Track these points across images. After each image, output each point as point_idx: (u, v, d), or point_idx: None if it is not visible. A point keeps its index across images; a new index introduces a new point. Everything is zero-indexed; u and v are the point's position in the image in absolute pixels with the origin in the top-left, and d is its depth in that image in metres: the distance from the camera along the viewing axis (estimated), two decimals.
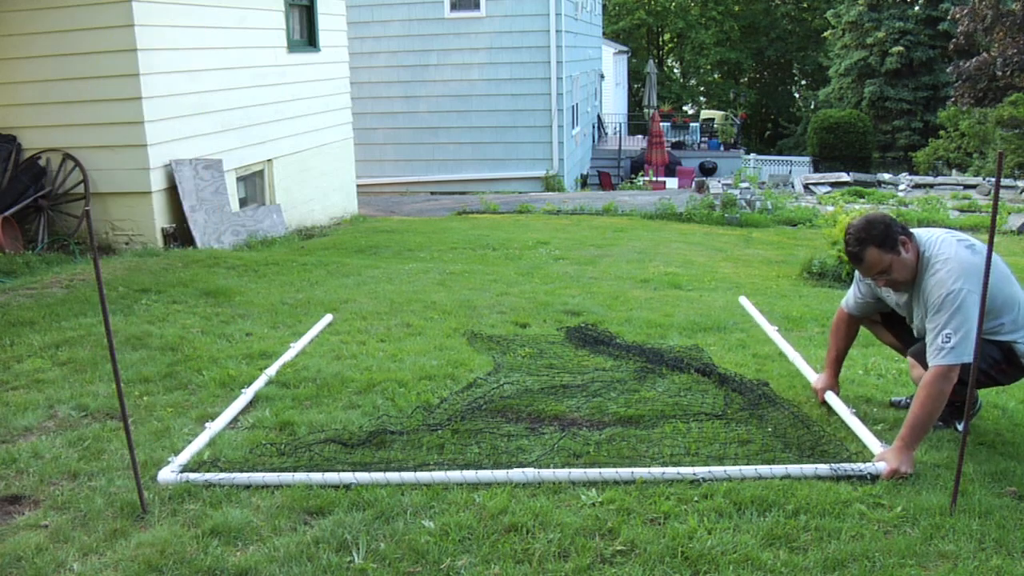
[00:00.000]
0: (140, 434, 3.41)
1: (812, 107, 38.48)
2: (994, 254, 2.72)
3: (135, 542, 2.59)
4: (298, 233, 10.49)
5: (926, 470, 3.11)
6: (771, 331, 4.74)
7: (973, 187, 17.38)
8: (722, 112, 33.70)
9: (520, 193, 17.15)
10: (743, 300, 5.33)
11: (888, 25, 31.37)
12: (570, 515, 2.74)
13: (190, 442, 3.32)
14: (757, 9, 43.29)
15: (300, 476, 3.01)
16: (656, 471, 3.04)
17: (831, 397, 3.80)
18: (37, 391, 3.94)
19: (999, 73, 21.19)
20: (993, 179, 17.99)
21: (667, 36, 47.57)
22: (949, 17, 26.15)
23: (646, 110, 28.41)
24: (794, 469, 3.08)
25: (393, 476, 3.00)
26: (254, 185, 10.23)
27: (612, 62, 31.28)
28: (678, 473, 3.03)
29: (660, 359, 4.39)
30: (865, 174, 20.64)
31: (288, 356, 4.50)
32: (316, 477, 2.99)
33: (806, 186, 18.35)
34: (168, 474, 3.02)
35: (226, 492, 2.91)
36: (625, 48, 37.46)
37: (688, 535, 2.62)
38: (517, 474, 3.01)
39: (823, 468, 3.08)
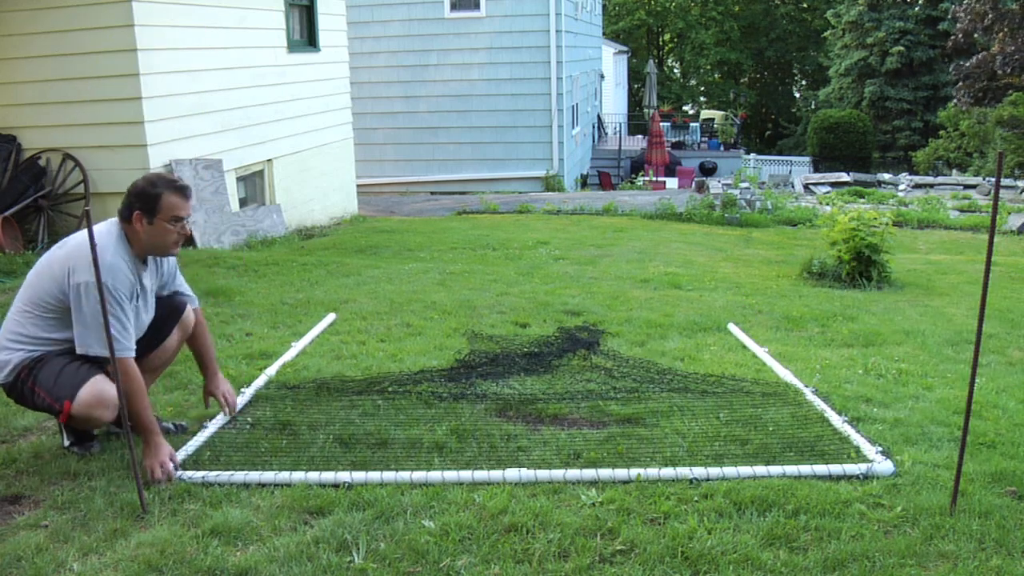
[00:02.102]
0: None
1: (812, 107, 38.47)
2: None
3: (135, 542, 2.59)
4: (298, 233, 10.49)
5: (926, 470, 3.11)
6: (761, 352, 4.74)
7: (973, 187, 17.38)
8: (722, 112, 33.70)
9: (520, 193, 17.15)
10: (732, 327, 5.33)
11: (888, 25, 31.37)
12: (570, 515, 2.74)
13: (188, 441, 3.32)
14: (757, 9, 43.28)
15: (299, 475, 3.01)
16: (652, 471, 3.05)
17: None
18: None
19: (999, 72, 21.19)
20: (993, 179, 17.99)
21: (667, 36, 47.58)
22: (949, 16, 26.17)
23: (646, 110, 28.41)
24: (791, 469, 3.08)
25: (390, 476, 3.00)
26: (254, 185, 10.23)
27: (612, 62, 31.27)
28: (675, 474, 3.03)
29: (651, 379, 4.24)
30: (865, 174, 20.64)
31: (289, 355, 4.50)
32: (314, 476, 3.00)
33: (806, 186, 18.35)
34: None
35: (226, 492, 2.91)
36: (625, 48, 37.46)
37: (688, 535, 2.62)
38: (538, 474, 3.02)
39: (820, 468, 3.09)
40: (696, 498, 2.87)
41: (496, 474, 3.01)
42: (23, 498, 2.92)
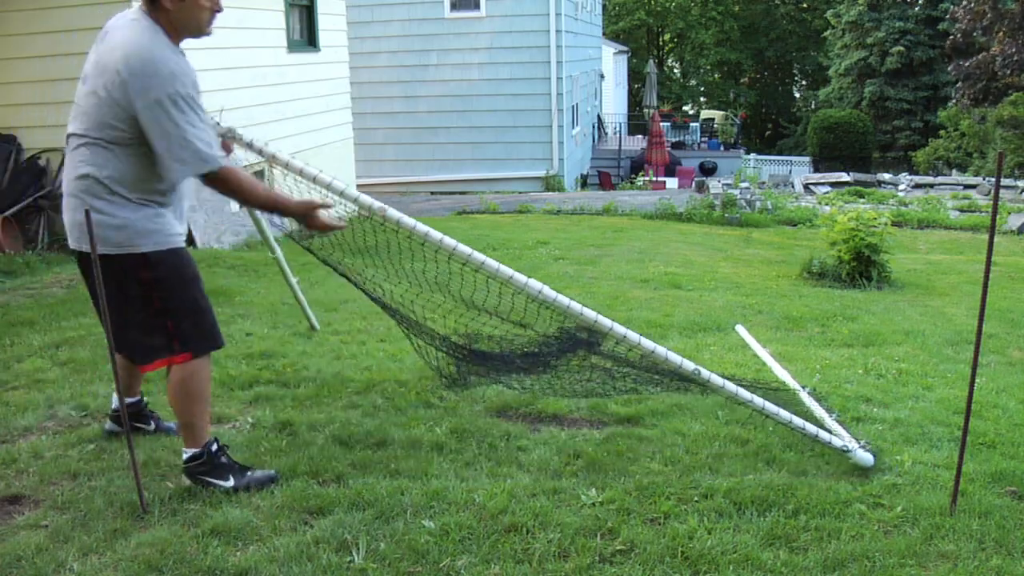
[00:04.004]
0: (140, 434, 3.40)
1: (812, 107, 38.46)
2: None
3: (135, 542, 2.58)
4: (298, 233, 10.48)
5: (926, 470, 3.11)
6: (764, 353, 4.71)
7: (973, 187, 17.37)
8: (722, 112, 33.70)
9: (520, 193, 17.14)
10: (740, 329, 5.30)
11: (888, 25, 31.36)
12: (570, 515, 2.74)
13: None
14: (757, 9, 43.27)
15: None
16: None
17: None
18: (37, 391, 3.94)
19: (999, 73, 21.20)
20: (993, 179, 17.99)
21: (667, 36, 47.56)
22: (948, 16, 26.17)
23: (646, 110, 28.39)
24: (770, 407, 3.14)
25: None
26: None
27: (612, 62, 31.26)
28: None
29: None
30: (865, 174, 20.62)
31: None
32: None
33: (806, 186, 18.35)
34: None
35: (226, 491, 2.90)
36: (625, 48, 37.44)
37: (688, 535, 2.62)
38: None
39: (810, 428, 3.16)
40: (696, 498, 2.87)
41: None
42: (23, 498, 2.92)
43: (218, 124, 3.22)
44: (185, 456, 2.92)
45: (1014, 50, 20.78)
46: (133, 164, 2.69)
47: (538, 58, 18.47)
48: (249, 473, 2.97)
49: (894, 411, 3.80)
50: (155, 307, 2.77)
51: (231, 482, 2.91)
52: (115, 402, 3.36)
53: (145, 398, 3.52)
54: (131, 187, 2.71)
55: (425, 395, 3.91)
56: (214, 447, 2.93)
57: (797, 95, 45.88)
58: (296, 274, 6.98)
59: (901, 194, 16.36)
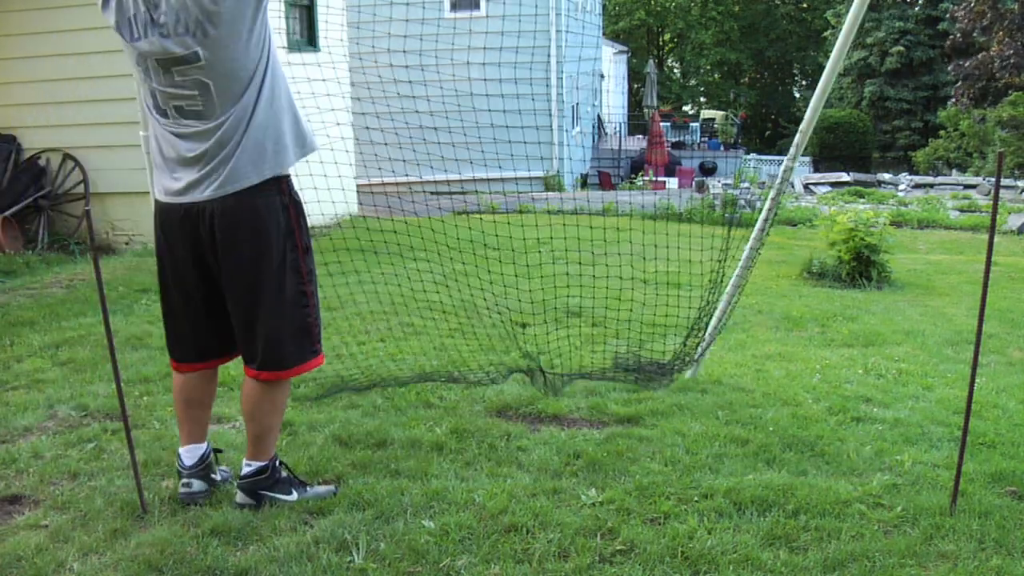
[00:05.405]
0: (140, 434, 3.41)
1: None
2: None
3: (135, 542, 2.58)
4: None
5: (926, 470, 3.11)
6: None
7: (973, 187, 17.37)
8: (722, 112, 33.68)
9: (520, 193, 17.14)
10: None
11: (888, 25, 31.35)
12: (570, 515, 2.74)
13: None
14: (757, 9, 43.26)
15: None
16: None
17: None
18: (37, 391, 3.94)
19: (998, 74, 21.20)
20: (993, 179, 17.97)
21: (667, 36, 47.55)
22: (948, 16, 26.19)
23: (646, 110, 28.36)
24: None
25: None
26: None
27: (612, 62, 31.26)
28: None
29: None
30: (865, 174, 20.60)
31: None
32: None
33: (806, 186, 18.34)
34: None
35: (226, 492, 2.91)
36: (625, 48, 37.42)
37: (688, 535, 2.61)
38: None
39: None
40: (696, 498, 2.87)
41: None
42: (23, 498, 2.92)
43: None
44: (248, 469, 2.77)
45: (1012, 51, 20.78)
46: (272, 82, 2.55)
47: (538, 58, 18.47)
48: (308, 488, 2.88)
49: (894, 411, 3.80)
50: (306, 291, 2.63)
51: (294, 496, 2.82)
52: (185, 460, 2.87)
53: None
54: (283, 111, 2.57)
55: (425, 395, 3.91)
56: (277, 460, 2.85)
57: (797, 95, 45.85)
58: None
59: (901, 194, 16.36)
